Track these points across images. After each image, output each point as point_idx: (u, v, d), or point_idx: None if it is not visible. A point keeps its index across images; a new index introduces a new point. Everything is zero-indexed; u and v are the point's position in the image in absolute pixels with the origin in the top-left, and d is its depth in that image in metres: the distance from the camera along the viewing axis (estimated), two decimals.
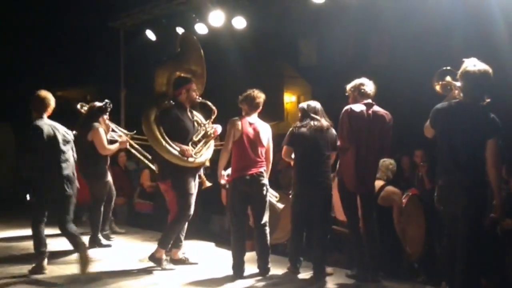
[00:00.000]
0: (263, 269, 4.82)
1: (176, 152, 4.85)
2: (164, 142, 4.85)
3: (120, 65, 10.00)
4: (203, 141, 5.14)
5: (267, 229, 4.87)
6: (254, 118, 4.93)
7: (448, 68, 3.97)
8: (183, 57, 5.30)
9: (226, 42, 8.90)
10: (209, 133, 5.18)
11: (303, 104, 5.08)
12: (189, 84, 5.14)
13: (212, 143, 5.28)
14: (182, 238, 5.23)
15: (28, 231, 5.05)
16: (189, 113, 5.17)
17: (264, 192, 4.83)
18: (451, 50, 6.58)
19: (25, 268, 4.86)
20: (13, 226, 7.12)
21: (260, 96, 4.92)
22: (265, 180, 4.85)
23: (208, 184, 5.78)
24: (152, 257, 5.00)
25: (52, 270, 4.89)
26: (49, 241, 5.20)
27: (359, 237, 4.70)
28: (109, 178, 6.18)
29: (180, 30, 8.59)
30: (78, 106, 6.35)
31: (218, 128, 5.26)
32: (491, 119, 3.69)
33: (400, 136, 7.38)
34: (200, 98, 5.21)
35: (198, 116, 5.32)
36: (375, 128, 4.63)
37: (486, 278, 4.86)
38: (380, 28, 7.82)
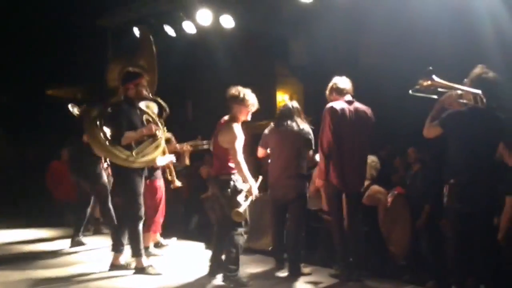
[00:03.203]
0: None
1: (118, 153, 4.65)
2: (105, 142, 4.71)
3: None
4: (148, 140, 4.87)
5: (228, 230, 4.53)
6: (225, 119, 4.65)
7: (431, 68, 3.96)
8: (135, 52, 5.23)
9: (215, 41, 8.85)
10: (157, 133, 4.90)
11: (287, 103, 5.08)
12: (138, 78, 4.95)
13: (162, 144, 5.02)
14: (125, 242, 5.03)
15: None
16: (138, 110, 4.99)
17: (219, 194, 4.57)
18: (438, 49, 6.61)
19: None
20: None
21: (230, 95, 4.61)
22: (222, 183, 4.53)
23: (178, 183, 5.75)
24: (136, 269, 4.85)
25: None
26: None
27: (344, 236, 4.67)
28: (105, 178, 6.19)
29: (168, 29, 8.55)
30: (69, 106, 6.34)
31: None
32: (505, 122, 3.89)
33: (390, 135, 7.38)
34: (151, 95, 5.04)
35: (152, 115, 5.14)
36: (358, 125, 4.60)
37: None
38: (369, 27, 7.80)
